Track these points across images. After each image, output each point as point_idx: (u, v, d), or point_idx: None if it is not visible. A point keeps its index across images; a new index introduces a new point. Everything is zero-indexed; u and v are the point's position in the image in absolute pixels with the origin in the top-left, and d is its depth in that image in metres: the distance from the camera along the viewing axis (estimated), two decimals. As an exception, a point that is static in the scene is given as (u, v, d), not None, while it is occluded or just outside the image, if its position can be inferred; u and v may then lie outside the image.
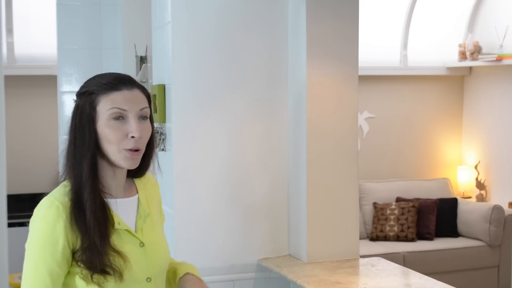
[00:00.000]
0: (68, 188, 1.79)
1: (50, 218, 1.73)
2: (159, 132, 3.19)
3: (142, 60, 4.10)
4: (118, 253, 1.77)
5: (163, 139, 3.17)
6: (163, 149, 3.18)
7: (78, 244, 1.74)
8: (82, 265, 1.74)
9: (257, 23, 3.14)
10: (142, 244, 1.86)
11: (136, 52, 4.17)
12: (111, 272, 1.75)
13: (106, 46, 4.34)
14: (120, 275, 1.76)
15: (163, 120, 3.14)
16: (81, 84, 1.87)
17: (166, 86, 3.15)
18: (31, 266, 1.74)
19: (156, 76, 3.35)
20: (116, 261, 1.76)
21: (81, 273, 1.75)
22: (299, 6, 3.09)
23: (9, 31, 5.95)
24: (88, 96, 1.80)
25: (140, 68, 4.03)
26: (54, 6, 4.35)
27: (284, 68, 3.19)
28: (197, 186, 3.08)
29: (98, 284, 1.75)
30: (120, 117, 1.79)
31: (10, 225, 5.13)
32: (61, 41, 4.32)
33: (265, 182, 3.19)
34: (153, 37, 3.38)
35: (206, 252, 3.09)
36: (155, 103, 3.19)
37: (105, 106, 1.79)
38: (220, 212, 3.12)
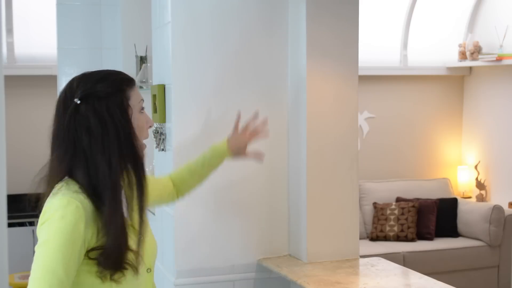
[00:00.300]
0: (77, 186, 1.75)
1: (70, 217, 1.69)
2: (159, 132, 3.19)
3: (142, 60, 4.10)
4: (130, 248, 1.78)
5: (163, 139, 3.16)
6: (163, 149, 3.18)
7: (93, 243, 1.72)
8: (101, 265, 1.72)
9: (257, 23, 3.13)
10: (141, 237, 1.87)
11: (136, 52, 4.17)
12: (129, 268, 1.75)
13: (106, 46, 4.34)
14: (136, 270, 1.77)
15: (163, 120, 3.14)
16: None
17: (166, 86, 3.14)
18: (45, 265, 1.65)
19: (156, 76, 3.35)
20: (130, 256, 1.77)
21: (99, 273, 1.73)
22: (299, 6, 3.09)
23: (9, 31, 5.95)
24: (119, 93, 1.81)
25: (140, 68, 4.02)
26: (54, 6, 4.35)
27: (284, 68, 3.18)
28: (197, 186, 3.07)
29: (115, 281, 1.74)
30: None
31: (10, 225, 5.14)
32: (61, 41, 4.32)
33: (265, 182, 3.18)
34: (153, 37, 3.37)
35: (206, 252, 3.09)
36: (155, 103, 3.19)
37: (136, 99, 1.85)
38: (220, 212, 3.11)
